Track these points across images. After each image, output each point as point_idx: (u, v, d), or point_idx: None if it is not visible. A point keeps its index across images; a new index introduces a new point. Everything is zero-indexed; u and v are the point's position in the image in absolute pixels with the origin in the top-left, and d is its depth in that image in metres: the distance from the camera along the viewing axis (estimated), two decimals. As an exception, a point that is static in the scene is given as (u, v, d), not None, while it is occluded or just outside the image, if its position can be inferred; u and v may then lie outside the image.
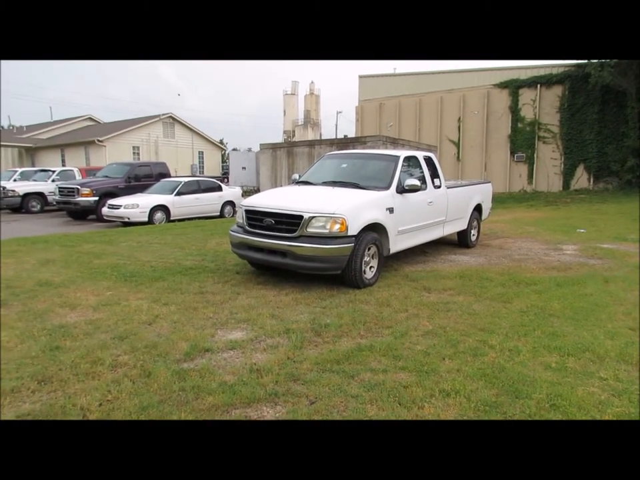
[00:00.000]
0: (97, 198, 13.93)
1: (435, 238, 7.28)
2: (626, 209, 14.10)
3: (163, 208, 13.10)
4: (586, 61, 20.18)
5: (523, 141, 22.80)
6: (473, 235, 8.50)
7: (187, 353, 3.53)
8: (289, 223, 5.39)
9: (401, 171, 6.36)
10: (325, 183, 6.50)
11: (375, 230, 5.69)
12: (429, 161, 7.22)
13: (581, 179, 21.51)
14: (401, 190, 6.16)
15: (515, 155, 22.95)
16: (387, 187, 6.09)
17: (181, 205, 13.53)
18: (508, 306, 4.68)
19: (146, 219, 12.61)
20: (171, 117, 35.30)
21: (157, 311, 4.57)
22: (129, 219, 12.47)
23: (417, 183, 6.23)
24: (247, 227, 5.85)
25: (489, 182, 9.75)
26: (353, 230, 5.33)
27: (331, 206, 5.37)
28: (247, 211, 5.89)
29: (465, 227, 8.13)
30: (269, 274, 6.13)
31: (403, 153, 6.83)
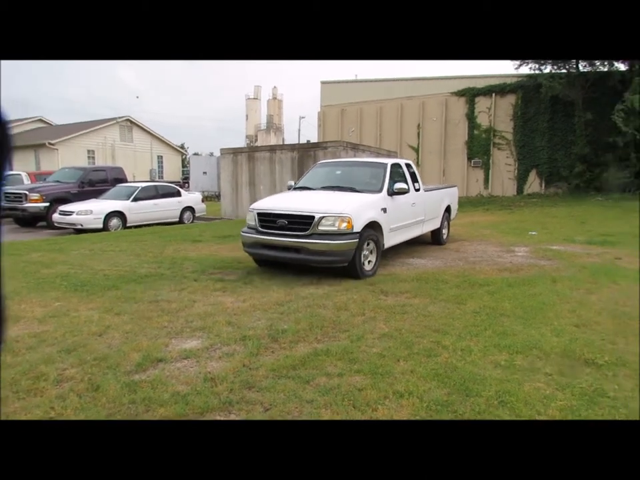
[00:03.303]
0: (47, 204, 13.40)
1: (416, 235, 8.09)
2: (575, 212, 14.75)
3: (119, 214, 12.75)
4: (538, 72, 21.10)
5: (479, 147, 23.55)
6: (444, 233, 9.36)
7: (139, 364, 3.42)
8: (302, 222, 5.98)
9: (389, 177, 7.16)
10: (324, 188, 7.19)
11: (373, 228, 6.37)
12: (409, 167, 8.08)
13: (534, 183, 22.40)
14: (391, 193, 6.92)
15: (472, 161, 23.66)
16: (380, 191, 6.84)
17: (138, 210, 13.20)
18: (462, 307, 4.79)
19: (100, 226, 12.23)
20: (128, 120, 34.45)
21: (108, 321, 4.42)
22: (82, 225, 12.06)
23: (405, 186, 7.06)
24: (260, 228, 6.37)
25: (455, 186, 10.84)
26: (357, 227, 5.98)
27: (338, 207, 6.05)
28: (260, 214, 6.43)
29: (439, 225, 8.98)
30: (227, 280, 6.06)
31: (389, 161, 7.74)
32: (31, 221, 14.01)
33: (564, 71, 20.42)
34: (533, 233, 10.45)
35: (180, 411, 2.75)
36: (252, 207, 6.74)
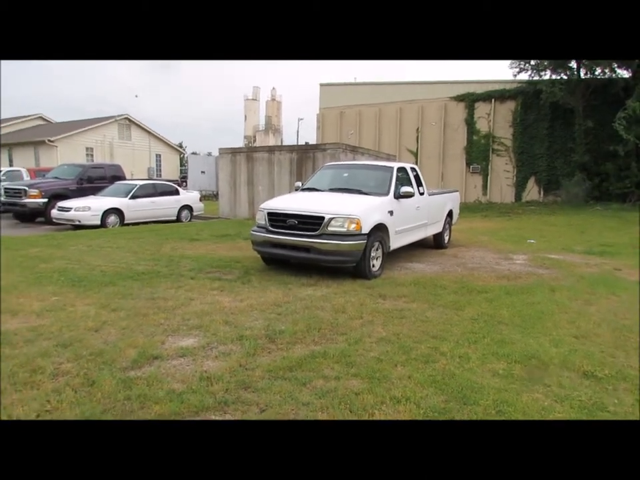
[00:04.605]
0: (46, 200, 13.38)
1: (420, 238, 8.25)
2: (573, 221, 14.76)
3: (117, 211, 12.72)
4: (537, 78, 21.12)
5: (478, 153, 23.56)
6: (446, 237, 9.52)
7: (135, 361, 3.41)
8: (312, 223, 6.11)
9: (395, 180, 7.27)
10: (332, 190, 7.31)
11: (380, 230, 6.49)
12: (413, 170, 8.22)
13: (532, 191, 22.42)
14: (398, 196, 7.03)
15: (471, 167, 23.67)
16: (387, 193, 6.97)
17: (135, 208, 13.16)
18: (460, 313, 4.77)
19: (98, 222, 12.19)
20: (127, 118, 34.40)
21: (104, 317, 4.40)
22: (79, 221, 12.02)
23: (411, 190, 7.20)
24: (270, 227, 6.46)
25: (457, 191, 10.99)
26: (365, 229, 6.11)
27: (347, 208, 6.21)
28: (270, 214, 6.53)
29: (441, 229, 9.16)
30: (224, 279, 6.03)
31: (395, 165, 7.88)
32: (30, 216, 13.98)
33: (564, 77, 20.42)
34: (532, 241, 10.45)
35: (175, 409, 2.73)
36: (262, 206, 6.82)
